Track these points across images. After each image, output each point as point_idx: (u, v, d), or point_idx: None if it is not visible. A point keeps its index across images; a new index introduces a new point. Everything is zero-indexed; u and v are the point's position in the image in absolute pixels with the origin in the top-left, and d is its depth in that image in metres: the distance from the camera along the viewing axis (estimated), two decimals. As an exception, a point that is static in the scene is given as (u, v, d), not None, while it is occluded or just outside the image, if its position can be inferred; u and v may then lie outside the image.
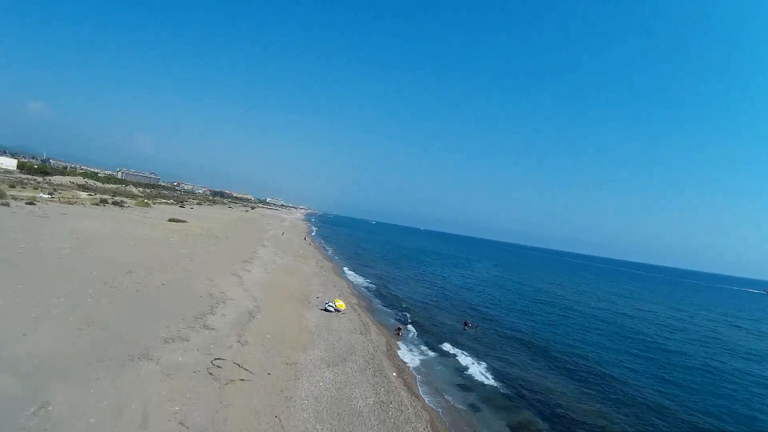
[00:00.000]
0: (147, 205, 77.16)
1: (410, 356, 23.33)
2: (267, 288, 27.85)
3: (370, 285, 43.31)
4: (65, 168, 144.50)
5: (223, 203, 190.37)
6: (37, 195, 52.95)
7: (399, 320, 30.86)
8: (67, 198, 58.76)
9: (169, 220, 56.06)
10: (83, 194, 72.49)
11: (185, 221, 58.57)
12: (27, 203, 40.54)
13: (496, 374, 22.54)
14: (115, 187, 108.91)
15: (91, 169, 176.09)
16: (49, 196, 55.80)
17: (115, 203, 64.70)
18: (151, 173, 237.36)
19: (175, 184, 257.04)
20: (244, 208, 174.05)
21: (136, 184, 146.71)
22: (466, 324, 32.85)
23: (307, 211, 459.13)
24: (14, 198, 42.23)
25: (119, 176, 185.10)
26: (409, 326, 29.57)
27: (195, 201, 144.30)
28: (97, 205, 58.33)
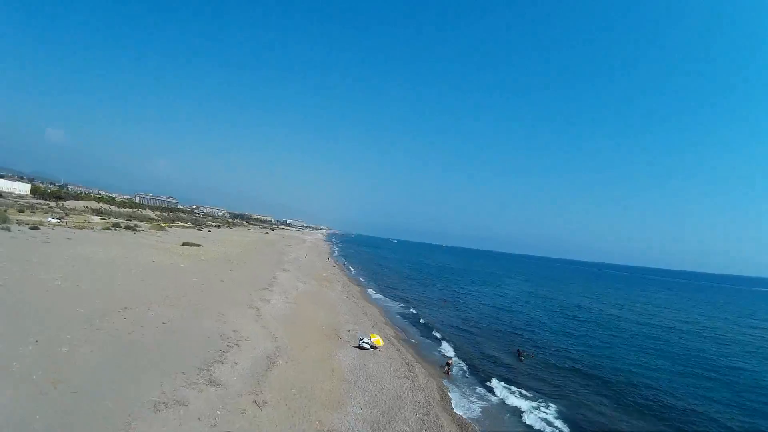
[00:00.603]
0: (162, 228, 74.92)
1: (467, 404, 18.67)
2: (289, 322, 23.78)
3: (403, 310, 38.75)
4: (81, 193, 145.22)
5: (243, 225, 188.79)
6: (45, 220, 50.78)
7: (443, 353, 26.19)
8: (78, 222, 56.82)
9: (183, 244, 53.11)
10: (96, 218, 71.64)
11: (200, 245, 55.57)
12: (31, 228, 37.97)
13: (572, 423, 17.82)
14: (130, 211, 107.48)
15: (108, 194, 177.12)
16: (58, 220, 53.59)
17: (128, 227, 62.23)
18: (169, 197, 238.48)
19: (194, 207, 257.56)
20: (264, 230, 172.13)
21: (154, 208, 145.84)
22: (519, 354, 28.00)
23: (328, 231, 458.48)
24: (19, 222, 39.87)
25: (137, 200, 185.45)
26: (455, 359, 24.90)
27: (214, 224, 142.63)
28: (109, 229, 55.92)
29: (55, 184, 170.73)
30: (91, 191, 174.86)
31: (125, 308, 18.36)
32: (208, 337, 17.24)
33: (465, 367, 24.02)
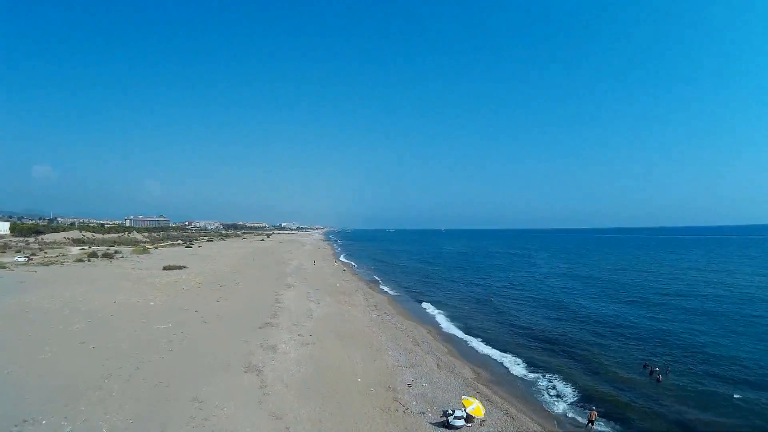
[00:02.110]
0: (145, 251, 66.08)
1: None
2: (313, 390, 14.21)
3: (454, 323, 28.98)
4: (72, 224, 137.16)
5: (237, 235, 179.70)
6: (12, 260, 45.61)
7: (569, 401, 16.64)
8: (49, 258, 50.42)
9: (164, 269, 43.46)
10: (75, 249, 65.75)
11: (184, 267, 45.84)
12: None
13: None
14: (116, 236, 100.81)
15: (97, 222, 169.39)
16: (26, 259, 47.65)
17: (105, 255, 55.12)
18: (160, 216, 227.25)
19: (186, 223, 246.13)
20: (259, 238, 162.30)
21: (142, 230, 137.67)
22: (650, 371, 19.13)
23: (325, 230, 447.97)
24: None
25: (127, 224, 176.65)
26: (594, 409, 15.49)
27: (206, 238, 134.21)
28: (82, 261, 48.83)
29: (44, 219, 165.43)
30: (83, 221, 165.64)
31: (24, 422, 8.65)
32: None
33: (607, 412, 14.75)
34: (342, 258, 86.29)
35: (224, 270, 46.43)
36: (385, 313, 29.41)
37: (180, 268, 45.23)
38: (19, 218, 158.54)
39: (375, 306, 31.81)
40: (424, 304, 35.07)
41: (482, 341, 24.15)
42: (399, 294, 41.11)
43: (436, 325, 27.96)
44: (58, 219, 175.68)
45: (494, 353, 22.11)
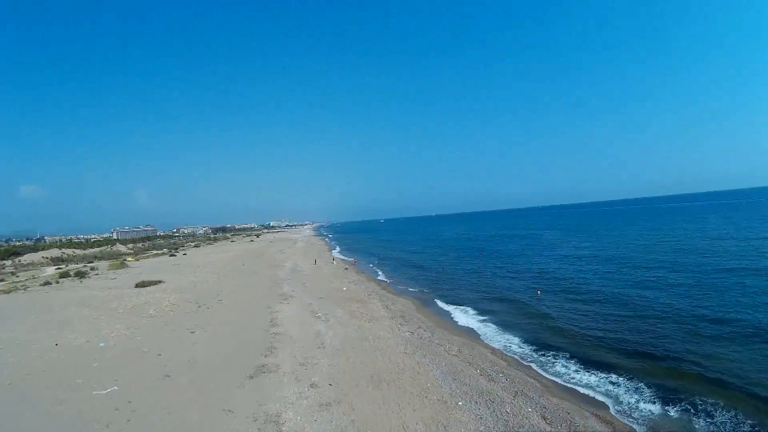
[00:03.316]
0: (123, 265, 58.64)
1: None
2: None
3: (536, 336, 21.10)
4: (60, 241, 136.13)
5: (226, 238, 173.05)
6: None
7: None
8: (17, 282, 44.66)
9: (136, 286, 35.99)
10: (51, 269, 61.03)
11: (160, 282, 38.30)
12: None
13: None
14: (98, 251, 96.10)
15: (84, 237, 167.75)
16: None
17: (78, 274, 49.07)
18: (147, 226, 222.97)
19: (174, 231, 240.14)
20: (248, 239, 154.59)
21: (127, 242, 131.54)
22: None
23: (315, 225, 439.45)
24: None
25: (114, 237, 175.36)
26: None
27: (193, 244, 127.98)
28: (47, 284, 41.74)
29: (31, 240, 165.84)
30: (69, 238, 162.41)
31: None
32: None
33: None
34: (340, 254, 78.85)
35: (206, 282, 38.78)
36: (419, 327, 22.18)
37: (155, 283, 37.80)
38: (7, 240, 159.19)
39: (401, 316, 24.60)
40: (461, 309, 27.80)
41: (580, 364, 16.96)
42: (422, 294, 33.93)
43: (494, 341, 20.74)
44: (45, 238, 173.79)
45: (623, 385, 14.93)
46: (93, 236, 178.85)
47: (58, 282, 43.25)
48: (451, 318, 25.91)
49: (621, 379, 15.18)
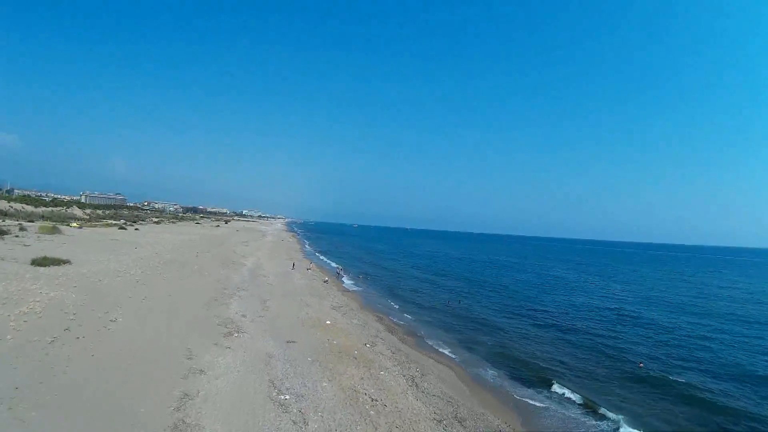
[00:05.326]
0: (54, 230, 44.13)
1: None
2: None
3: None
4: (27, 195, 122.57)
5: (193, 219, 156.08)
6: None
7: None
8: None
9: (33, 263, 21.90)
10: None
11: (67, 261, 24.12)
12: None
13: None
14: (48, 210, 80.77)
15: (53, 195, 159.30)
16: None
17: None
18: (116, 194, 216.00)
19: (145, 203, 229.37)
20: (215, 224, 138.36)
21: (86, 206, 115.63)
22: None
23: (287, 220, 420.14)
24: None
25: (83, 200, 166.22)
26: None
27: (156, 220, 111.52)
28: None
29: (2, 190, 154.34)
30: (39, 193, 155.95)
31: None
32: None
33: None
34: (317, 257, 65.31)
35: (125, 274, 24.65)
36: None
37: (59, 263, 23.63)
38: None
39: (455, 417, 11.88)
40: (551, 393, 15.41)
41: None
42: (464, 353, 21.18)
43: None
44: (15, 190, 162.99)
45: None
46: (62, 196, 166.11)
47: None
48: (548, 414, 13.32)
49: None
